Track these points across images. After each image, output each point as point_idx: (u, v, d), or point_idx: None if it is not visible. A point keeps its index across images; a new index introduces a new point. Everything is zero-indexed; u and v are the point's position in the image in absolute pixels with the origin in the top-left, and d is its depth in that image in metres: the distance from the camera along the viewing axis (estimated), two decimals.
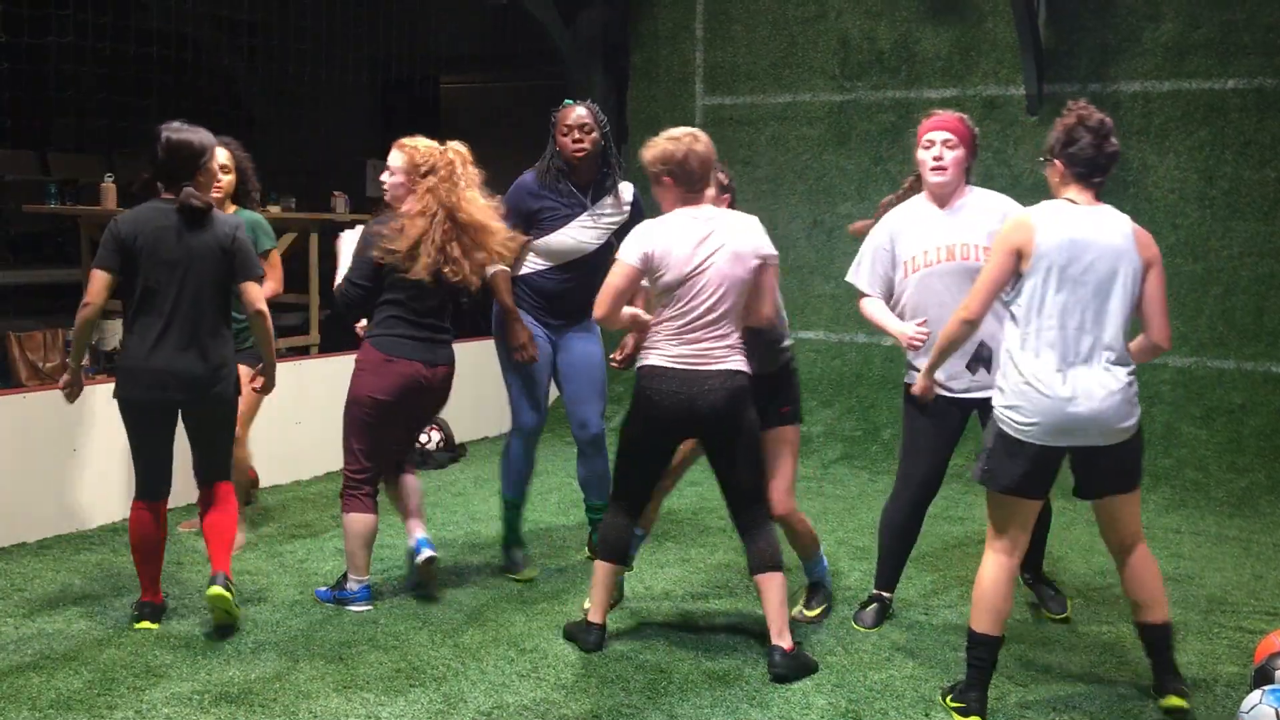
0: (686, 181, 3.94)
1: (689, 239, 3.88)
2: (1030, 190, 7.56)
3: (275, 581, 4.78)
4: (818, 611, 4.48)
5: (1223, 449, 6.72)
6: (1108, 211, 3.62)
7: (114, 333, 7.48)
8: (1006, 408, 3.55)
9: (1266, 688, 3.47)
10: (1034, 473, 3.54)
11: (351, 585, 4.50)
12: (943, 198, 4.32)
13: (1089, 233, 3.52)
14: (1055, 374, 3.48)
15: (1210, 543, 5.75)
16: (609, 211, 4.90)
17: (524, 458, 4.97)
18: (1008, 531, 3.62)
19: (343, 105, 10.94)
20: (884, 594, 4.50)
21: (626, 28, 9.16)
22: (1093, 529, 5.87)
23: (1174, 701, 3.66)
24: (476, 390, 6.71)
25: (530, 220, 4.81)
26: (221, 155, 4.99)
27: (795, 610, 4.41)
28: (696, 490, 6.29)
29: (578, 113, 4.80)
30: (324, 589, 4.60)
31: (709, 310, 3.88)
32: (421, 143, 4.48)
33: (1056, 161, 3.67)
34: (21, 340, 7.12)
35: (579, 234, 4.85)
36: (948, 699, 3.70)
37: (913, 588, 4.90)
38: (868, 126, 8.24)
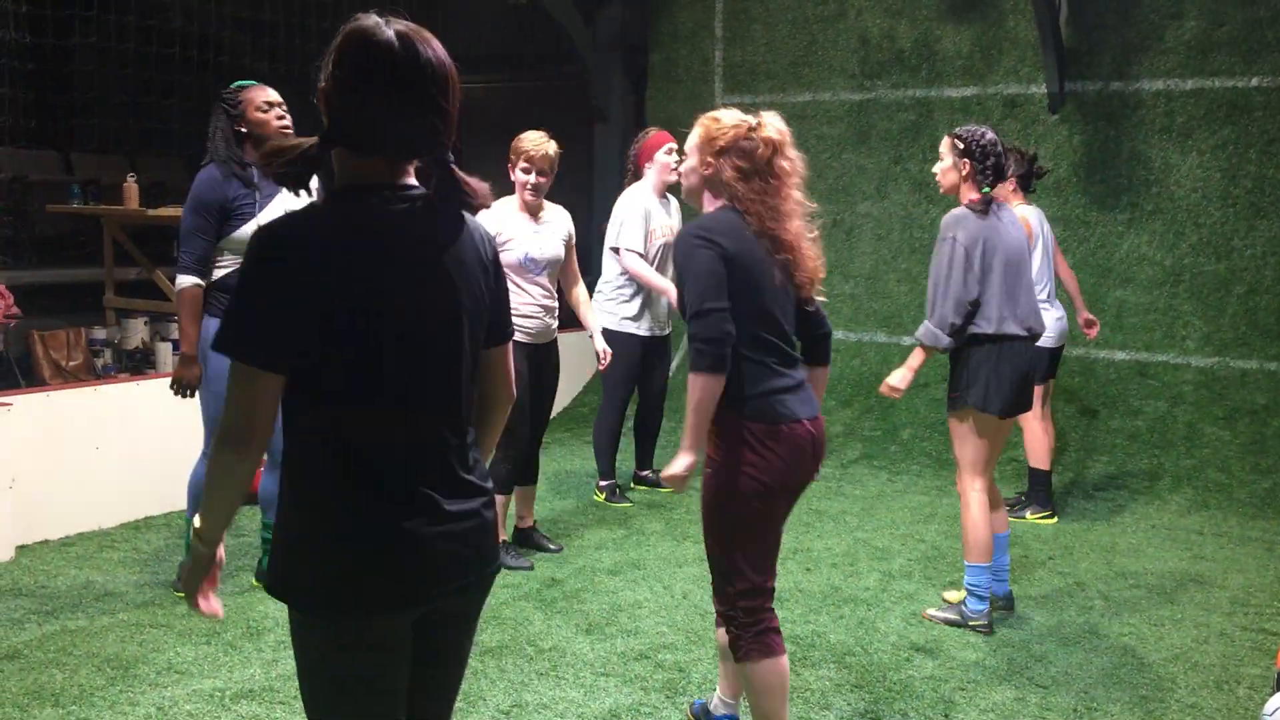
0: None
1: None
2: (1051, 189, 7.53)
3: None
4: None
5: (1245, 450, 6.67)
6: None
7: (136, 332, 7.54)
8: None
9: None
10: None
11: None
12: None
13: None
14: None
15: (1233, 544, 5.71)
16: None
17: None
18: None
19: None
20: None
21: (646, 27, 9.16)
22: (1112, 529, 5.86)
23: None
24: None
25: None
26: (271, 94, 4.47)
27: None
28: None
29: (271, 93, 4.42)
30: None
31: None
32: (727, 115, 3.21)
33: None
34: (45, 339, 7.18)
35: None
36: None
37: (932, 589, 4.88)
38: (888, 125, 8.21)
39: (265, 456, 4.53)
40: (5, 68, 7.76)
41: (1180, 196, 7.28)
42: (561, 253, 5.09)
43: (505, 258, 4.86)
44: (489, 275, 2.11)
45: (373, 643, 2.04)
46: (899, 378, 4.38)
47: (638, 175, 6.11)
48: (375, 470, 1.96)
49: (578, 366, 8.00)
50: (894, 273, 8.07)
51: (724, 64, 8.79)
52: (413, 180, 2.01)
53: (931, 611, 4.55)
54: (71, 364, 7.23)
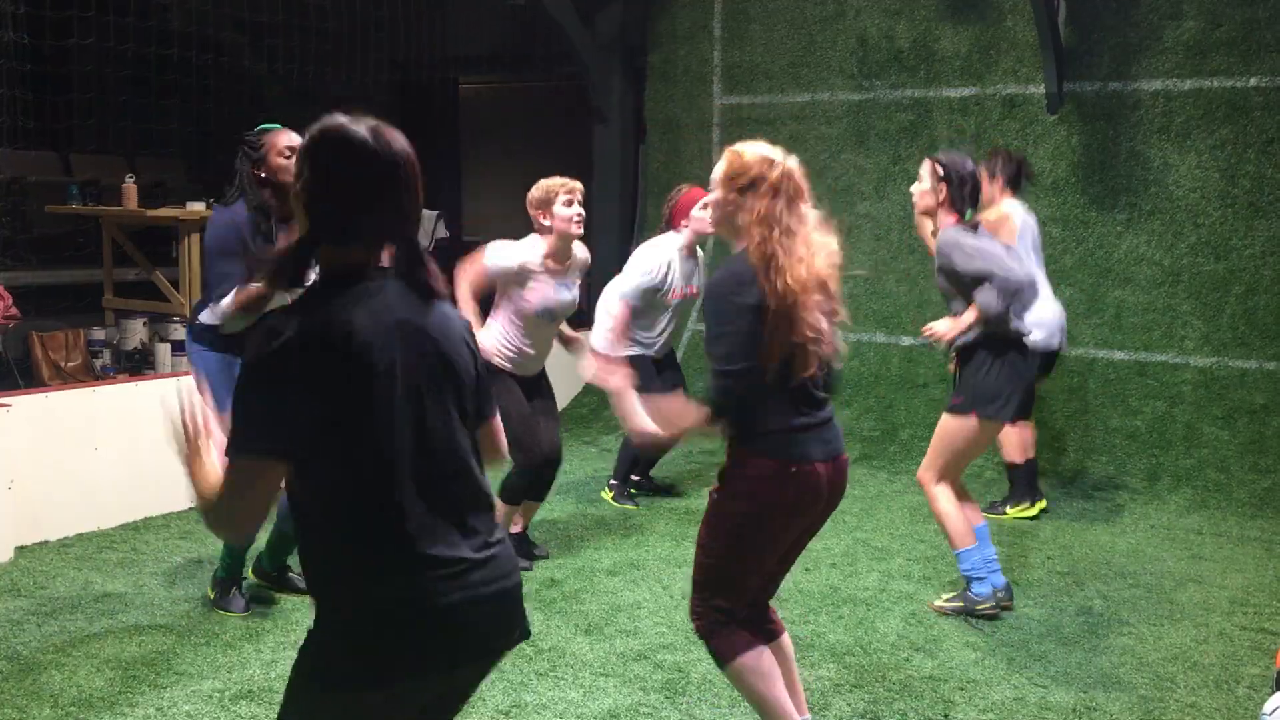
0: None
1: None
2: (1050, 189, 7.53)
3: (296, 581, 4.80)
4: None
5: (1244, 449, 6.67)
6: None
7: (135, 332, 7.53)
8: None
9: None
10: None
11: None
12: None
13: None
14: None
15: (1232, 544, 5.71)
16: None
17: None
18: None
19: (362, 107, 10.97)
20: None
21: (645, 27, 9.16)
22: (1111, 529, 5.86)
23: None
24: None
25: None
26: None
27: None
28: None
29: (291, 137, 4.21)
30: None
31: None
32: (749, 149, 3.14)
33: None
34: (44, 340, 7.17)
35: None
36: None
37: (930, 589, 4.88)
38: (886, 126, 8.21)
39: None
40: (3, 68, 7.75)
41: (1179, 196, 7.28)
42: (575, 301, 5.03)
43: (521, 305, 4.80)
44: (475, 355, 2.18)
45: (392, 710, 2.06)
46: (944, 326, 4.45)
47: (670, 227, 5.95)
48: (392, 539, 1.99)
49: (576, 367, 7.99)
50: (893, 273, 8.07)
51: (722, 64, 8.78)
52: (386, 263, 2.10)
53: (937, 603, 4.60)
54: (70, 365, 7.23)
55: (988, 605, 4.46)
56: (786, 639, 3.27)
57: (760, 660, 3.09)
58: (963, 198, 4.42)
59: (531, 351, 4.91)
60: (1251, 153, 7.12)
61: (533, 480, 4.95)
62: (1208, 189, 7.22)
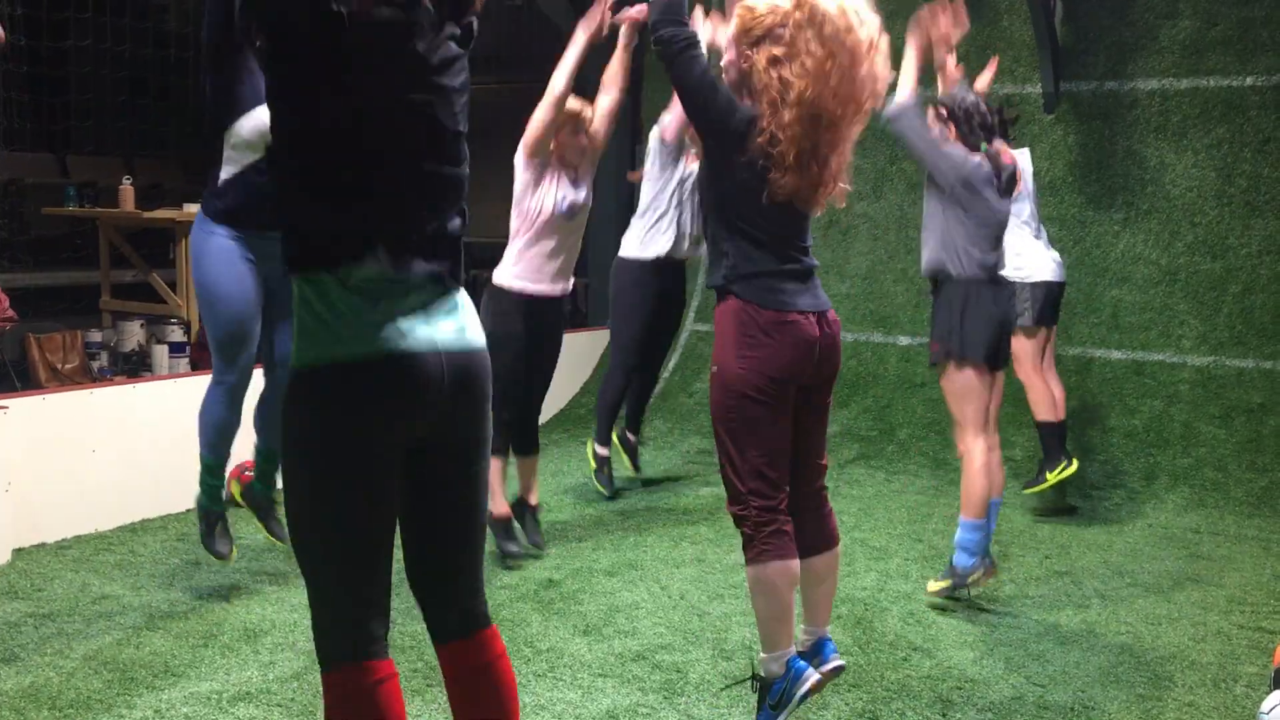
0: None
1: None
2: (1047, 188, 7.54)
3: (294, 582, 4.80)
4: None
5: (1242, 448, 6.68)
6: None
7: (132, 334, 7.53)
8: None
9: None
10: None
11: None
12: None
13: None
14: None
15: (1229, 542, 5.72)
16: None
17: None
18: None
19: None
20: None
21: (641, 28, 9.16)
22: (1109, 528, 5.86)
23: None
24: None
25: None
26: None
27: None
28: (713, 490, 6.29)
29: None
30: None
31: None
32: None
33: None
34: (41, 342, 7.17)
35: None
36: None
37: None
38: (883, 125, 8.20)
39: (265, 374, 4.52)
40: (1, 70, 7.76)
41: (1175, 196, 7.29)
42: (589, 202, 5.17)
43: (545, 202, 4.90)
44: None
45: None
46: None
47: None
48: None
49: (575, 367, 8.01)
50: (890, 273, 8.07)
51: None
52: None
53: (931, 587, 4.62)
54: (67, 367, 7.22)
55: (976, 575, 4.48)
56: (837, 552, 3.35)
57: (781, 574, 3.11)
58: (973, 130, 4.46)
59: (556, 260, 4.97)
60: (1248, 152, 7.13)
61: (511, 426, 5.02)
62: (1204, 188, 7.22)
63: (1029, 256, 5.79)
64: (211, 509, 4.44)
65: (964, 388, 4.42)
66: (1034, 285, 5.82)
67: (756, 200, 3.03)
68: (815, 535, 3.29)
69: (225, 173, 4.10)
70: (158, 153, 9.95)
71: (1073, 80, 7.54)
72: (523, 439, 5.20)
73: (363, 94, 2.09)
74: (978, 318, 4.37)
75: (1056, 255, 5.98)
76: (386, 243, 2.12)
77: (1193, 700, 3.81)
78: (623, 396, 6.29)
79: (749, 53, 2.99)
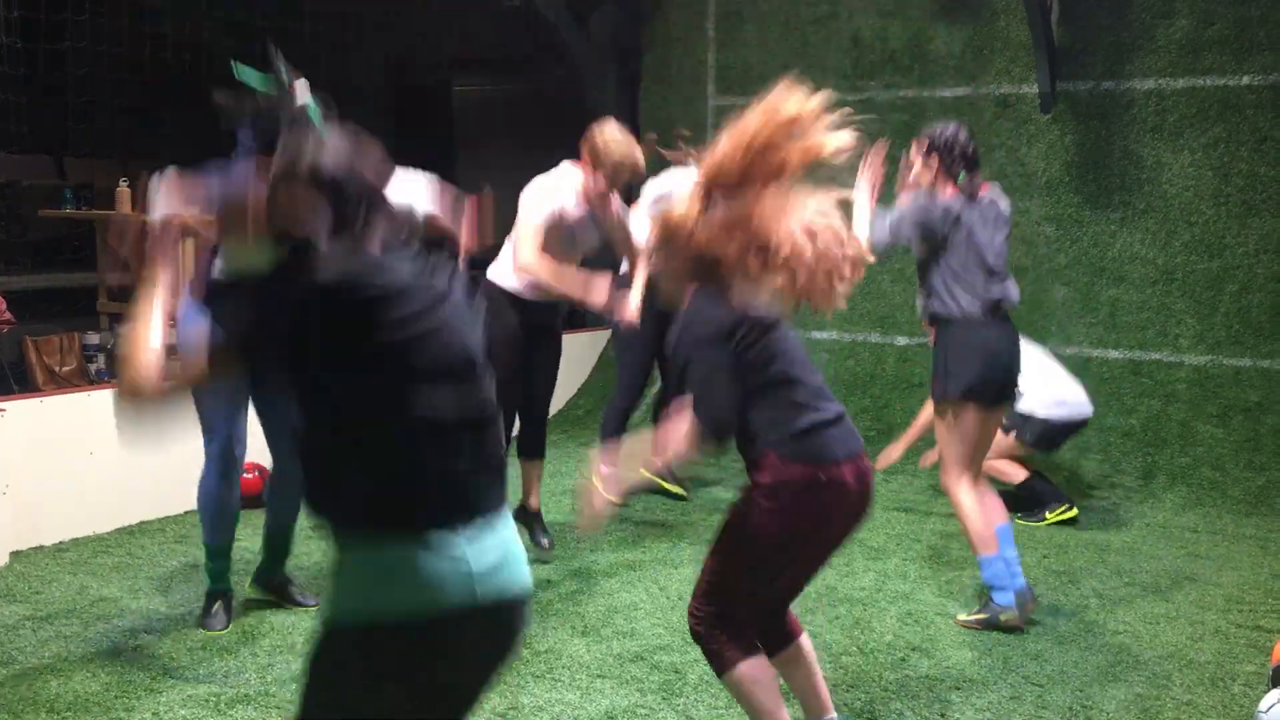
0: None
1: None
2: (1044, 188, 7.55)
3: (297, 594, 4.80)
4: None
5: (1239, 447, 6.69)
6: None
7: None
8: None
9: None
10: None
11: None
12: None
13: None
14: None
15: (1227, 541, 5.72)
16: None
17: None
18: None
19: (355, 110, 10.97)
20: None
21: (638, 29, 9.16)
22: (1107, 527, 5.86)
23: None
24: None
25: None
26: None
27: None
28: (710, 492, 6.29)
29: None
30: None
31: None
32: None
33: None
34: (38, 344, 7.16)
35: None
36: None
37: (928, 588, 4.89)
38: (880, 126, 8.21)
39: (272, 463, 4.49)
40: None
41: (1172, 195, 7.29)
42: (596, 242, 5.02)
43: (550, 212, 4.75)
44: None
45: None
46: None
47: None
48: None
49: (575, 368, 8.01)
50: (888, 273, 8.07)
51: (717, 65, 8.79)
52: None
53: (963, 617, 4.48)
54: (65, 369, 7.22)
55: (1012, 616, 4.31)
56: (805, 640, 3.14)
57: (758, 669, 2.95)
58: (954, 160, 4.38)
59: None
60: (1245, 151, 7.13)
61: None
62: (1201, 187, 7.23)
63: (1057, 390, 5.89)
64: (214, 588, 4.34)
65: (953, 426, 4.33)
66: (1052, 422, 5.85)
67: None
68: (775, 635, 3.12)
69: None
70: (155, 155, 9.95)
71: (1069, 80, 7.55)
72: (529, 442, 5.16)
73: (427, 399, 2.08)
74: (967, 356, 4.27)
75: (1081, 390, 5.99)
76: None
77: (1191, 699, 3.82)
78: (629, 412, 6.11)
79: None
